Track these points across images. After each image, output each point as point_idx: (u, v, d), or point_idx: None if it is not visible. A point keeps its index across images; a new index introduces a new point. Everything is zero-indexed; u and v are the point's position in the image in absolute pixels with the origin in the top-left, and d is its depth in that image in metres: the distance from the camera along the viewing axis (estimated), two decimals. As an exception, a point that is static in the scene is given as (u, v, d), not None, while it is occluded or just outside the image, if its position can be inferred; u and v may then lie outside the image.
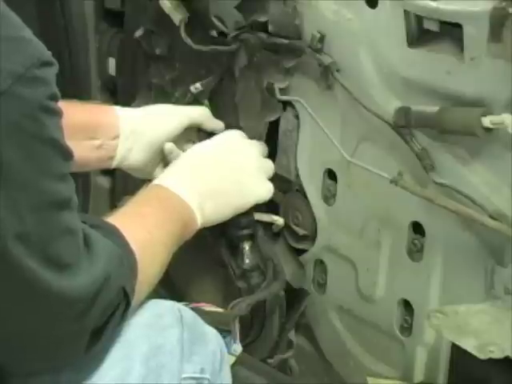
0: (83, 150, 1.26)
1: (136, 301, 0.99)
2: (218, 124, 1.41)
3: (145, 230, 1.07)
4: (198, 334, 1.06)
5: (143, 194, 1.19)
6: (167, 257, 1.12)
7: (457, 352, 1.16)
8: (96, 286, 0.88)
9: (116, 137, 1.31)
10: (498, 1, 1.03)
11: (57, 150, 0.85)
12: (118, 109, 1.35)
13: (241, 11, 1.33)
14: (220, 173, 1.28)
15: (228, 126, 1.43)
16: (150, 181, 1.30)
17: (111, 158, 1.32)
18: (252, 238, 1.38)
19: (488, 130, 1.07)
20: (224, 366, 1.11)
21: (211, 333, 1.10)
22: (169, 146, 1.35)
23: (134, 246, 0.98)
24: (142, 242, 1.02)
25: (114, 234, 0.97)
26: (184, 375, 1.02)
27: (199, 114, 1.40)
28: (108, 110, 1.35)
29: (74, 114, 1.25)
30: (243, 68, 1.38)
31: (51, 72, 0.83)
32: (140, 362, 0.98)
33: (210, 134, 1.41)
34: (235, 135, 1.36)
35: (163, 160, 1.38)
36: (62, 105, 1.26)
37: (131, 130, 1.32)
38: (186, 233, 1.20)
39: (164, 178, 1.24)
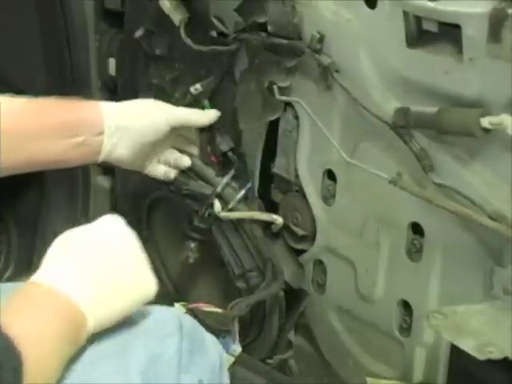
0: (65, 148, 1.25)
1: None
2: (209, 116, 1.39)
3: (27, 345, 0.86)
4: (198, 343, 1.04)
5: (20, 296, 0.94)
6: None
7: (456, 352, 1.17)
8: None
9: (101, 133, 1.28)
10: (497, 1, 1.03)
11: None
12: (102, 104, 1.32)
13: (240, 14, 1.33)
14: (107, 267, 1.00)
15: (229, 126, 1.44)
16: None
17: (97, 152, 1.30)
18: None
19: (487, 130, 1.07)
20: (223, 375, 1.09)
21: (211, 341, 1.08)
22: (174, 155, 1.36)
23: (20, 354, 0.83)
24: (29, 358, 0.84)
25: None
26: None
27: (186, 111, 1.39)
28: (92, 105, 1.32)
29: (54, 112, 1.25)
30: (243, 68, 1.38)
31: None
32: (137, 373, 0.95)
33: (210, 134, 1.42)
34: (113, 222, 1.06)
35: (164, 160, 1.39)
36: (43, 103, 1.25)
37: (116, 125, 1.30)
38: (77, 341, 0.95)
39: (44, 274, 0.97)
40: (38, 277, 0.95)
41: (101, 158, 1.30)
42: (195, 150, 1.45)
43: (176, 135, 1.40)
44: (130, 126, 1.31)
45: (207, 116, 1.39)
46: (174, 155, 1.41)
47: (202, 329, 1.08)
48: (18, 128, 1.19)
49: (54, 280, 0.94)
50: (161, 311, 1.05)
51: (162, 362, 0.98)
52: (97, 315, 0.94)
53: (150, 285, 1.02)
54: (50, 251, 0.99)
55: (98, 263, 0.98)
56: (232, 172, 1.43)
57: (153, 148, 1.36)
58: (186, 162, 1.41)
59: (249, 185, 1.42)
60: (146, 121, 1.33)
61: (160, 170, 1.41)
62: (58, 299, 0.93)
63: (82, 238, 1.00)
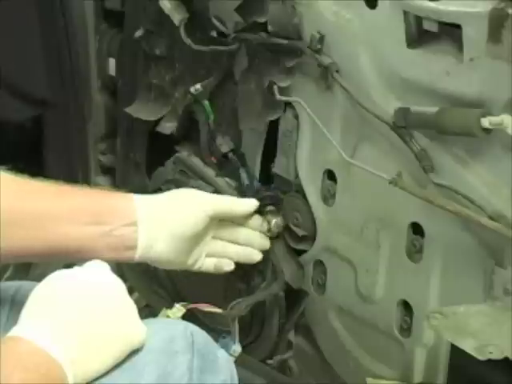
0: (90, 236, 1.13)
1: None
2: (250, 203, 1.31)
3: None
4: (209, 361, 1.02)
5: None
6: None
7: (456, 353, 1.16)
8: None
9: (132, 223, 1.16)
10: (497, 1, 1.03)
11: None
12: (134, 195, 1.21)
13: (240, 14, 1.33)
14: (91, 316, 0.96)
15: (228, 126, 1.43)
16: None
17: (130, 247, 1.17)
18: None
19: (487, 130, 1.07)
20: None
21: (223, 358, 1.05)
22: (219, 245, 1.28)
23: None
24: None
25: None
26: None
27: (226, 200, 1.31)
28: (123, 195, 1.21)
29: (76, 194, 1.15)
30: (243, 68, 1.38)
31: None
32: None
33: (210, 134, 1.42)
34: (98, 268, 1.04)
35: (210, 253, 1.29)
36: (65, 186, 1.16)
37: (151, 216, 1.18)
38: None
39: (24, 327, 0.94)
40: (18, 330, 0.92)
41: (137, 254, 1.18)
42: (243, 235, 1.33)
43: (217, 224, 1.30)
44: (166, 217, 1.19)
45: (248, 204, 1.31)
46: (219, 246, 1.31)
47: (214, 346, 1.06)
48: (30, 207, 1.10)
49: (34, 334, 0.90)
50: (173, 326, 1.03)
51: (173, 379, 0.96)
52: (78, 370, 0.91)
53: (138, 332, 0.98)
54: (31, 299, 0.96)
55: (81, 313, 0.94)
56: (232, 173, 1.43)
57: (194, 242, 1.25)
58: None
59: (272, 185, 1.42)
60: (183, 210, 1.22)
61: (209, 263, 1.30)
62: (36, 355, 0.89)
63: (65, 285, 0.97)
